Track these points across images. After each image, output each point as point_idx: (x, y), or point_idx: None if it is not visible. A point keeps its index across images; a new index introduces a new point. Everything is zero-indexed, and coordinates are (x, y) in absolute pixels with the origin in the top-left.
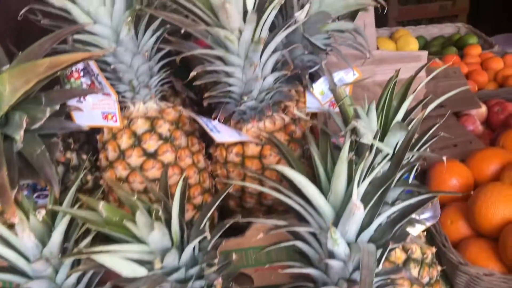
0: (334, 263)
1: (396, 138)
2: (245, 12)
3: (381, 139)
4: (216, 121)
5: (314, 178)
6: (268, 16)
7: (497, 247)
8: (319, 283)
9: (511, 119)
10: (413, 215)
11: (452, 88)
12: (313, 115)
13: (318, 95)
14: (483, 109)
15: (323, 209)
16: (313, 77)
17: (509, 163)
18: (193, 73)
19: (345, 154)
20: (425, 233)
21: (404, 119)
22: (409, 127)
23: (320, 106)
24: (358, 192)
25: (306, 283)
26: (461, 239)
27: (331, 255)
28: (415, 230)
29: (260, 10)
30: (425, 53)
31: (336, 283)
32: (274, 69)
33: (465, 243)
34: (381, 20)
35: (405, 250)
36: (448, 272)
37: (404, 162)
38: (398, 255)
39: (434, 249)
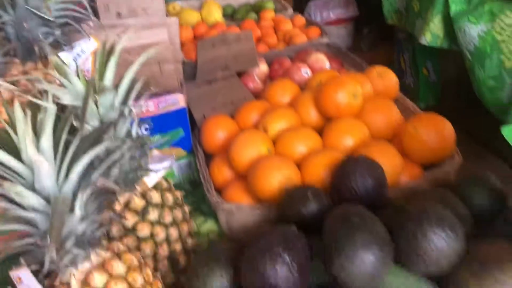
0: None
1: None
2: None
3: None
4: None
5: None
6: None
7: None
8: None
9: (286, 74)
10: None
11: (241, 51)
12: None
13: None
14: (265, 67)
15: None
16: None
17: (266, 112)
18: None
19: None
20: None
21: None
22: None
23: None
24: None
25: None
26: (227, 182)
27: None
28: (152, 179)
29: None
30: (175, 19)
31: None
32: None
33: (227, 185)
34: None
35: (144, 197)
36: (215, 211)
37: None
38: (137, 203)
39: (179, 193)
